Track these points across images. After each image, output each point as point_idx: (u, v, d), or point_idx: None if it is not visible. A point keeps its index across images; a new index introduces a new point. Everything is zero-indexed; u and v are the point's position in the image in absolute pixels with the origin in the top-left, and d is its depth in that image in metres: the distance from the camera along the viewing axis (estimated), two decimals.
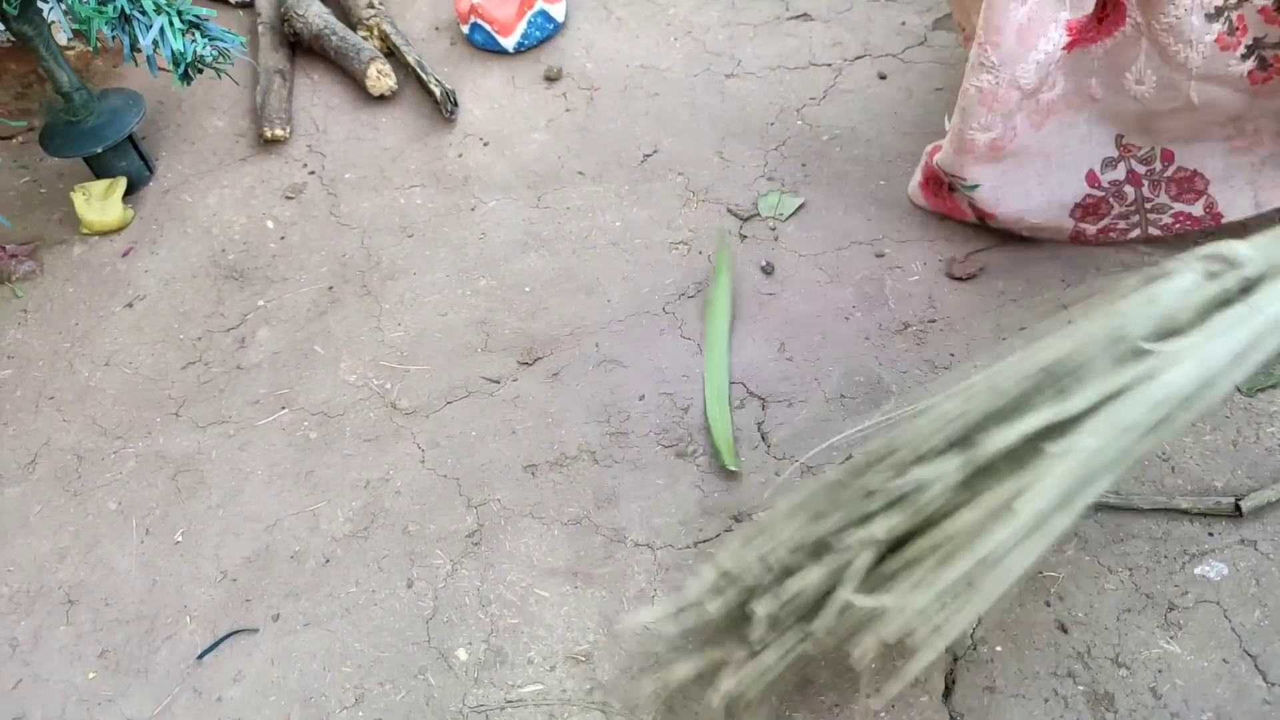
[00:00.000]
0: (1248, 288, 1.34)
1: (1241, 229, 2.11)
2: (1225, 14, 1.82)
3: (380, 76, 2.84)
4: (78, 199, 2.60)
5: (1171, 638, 1.66)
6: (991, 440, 1.31)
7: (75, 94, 2.58)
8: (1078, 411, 1.30)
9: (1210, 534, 1.77)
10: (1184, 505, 1.80)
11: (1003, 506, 1.27)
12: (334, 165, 2.75)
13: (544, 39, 2.98)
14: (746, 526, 1.61)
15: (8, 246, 2.57)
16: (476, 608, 1.81)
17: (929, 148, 2.29)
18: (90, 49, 2.86)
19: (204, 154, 2.83)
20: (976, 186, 2.11)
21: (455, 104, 2.81)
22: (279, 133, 2.77)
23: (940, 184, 2.27)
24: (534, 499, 1.96)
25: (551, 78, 2.88)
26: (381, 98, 2.88)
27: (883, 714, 1.62)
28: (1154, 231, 2.16)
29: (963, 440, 1.36)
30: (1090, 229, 2.17)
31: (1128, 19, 1.90)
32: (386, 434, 2.10)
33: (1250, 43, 1.84)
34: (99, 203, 2.61)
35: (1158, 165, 2.08)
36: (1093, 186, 2.12)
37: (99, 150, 2.59)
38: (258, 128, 2.82)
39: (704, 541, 1.86)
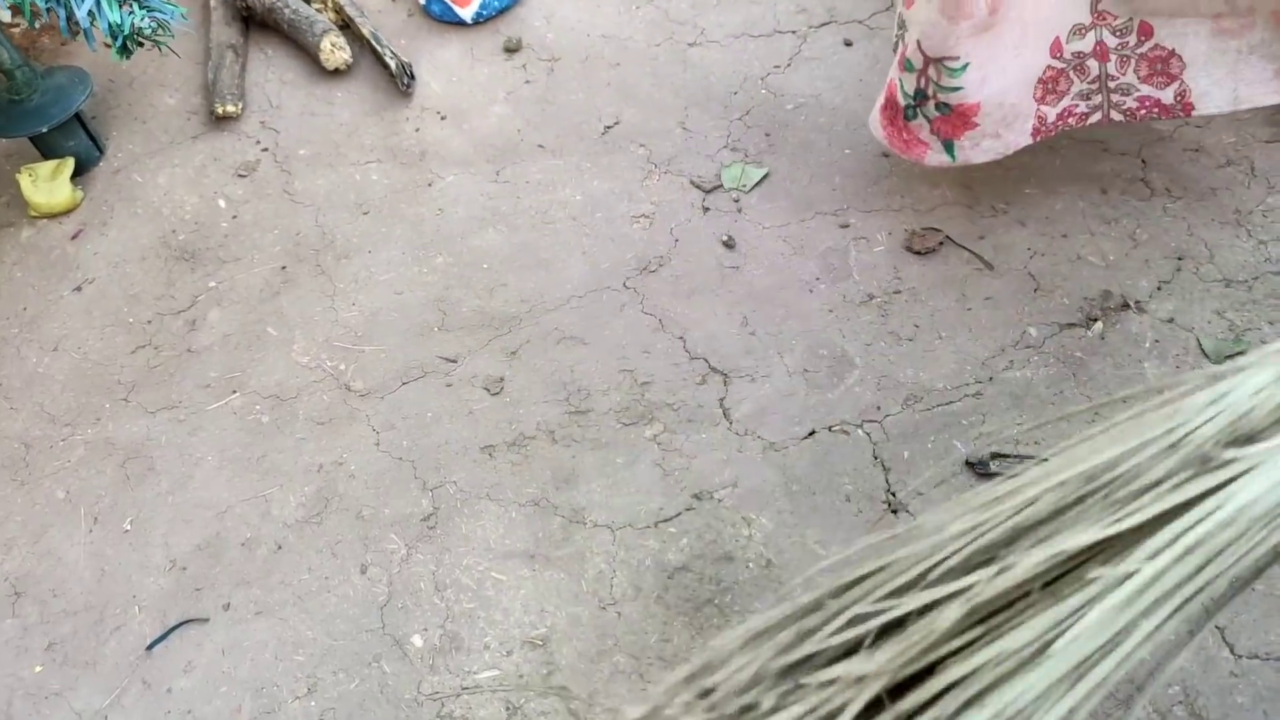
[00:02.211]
0: None
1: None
2: None
3: (334, 50, 2.76)
4: (24, 181, 2.53)
5: None
6: (1021, 561, 0.95)
7: (17, 71, 2.50)
8: (1132, 527, 1.07)
9: None
10: None
11: (1033, 645, 0.93)
12: (288, 142, 2.67)
13: (503, 9, 2.91)
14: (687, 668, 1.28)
15: None
16: (432, 593, 1.77)
17: (895, 63, 2.04)
18: (29, 24, 2.77)
19: (155, 132, 2.76)
20: (965, 68, 1.88)
21: (412, 77, 2.73)
22: (231, 109, 2.69)
23: (896, 111, 2.05)
24: (491, 480, 1.91)
25: (511, 49, 2.81)
26: (336, 72, 2.81)
27: None
28: (1116, 116, 2.01)
29: (983, 561, 1.02)
30: (1050, 113, 2.00)
31: None
32: (340, 416, 2.05)
33: None
34: (46, 184, 2.53)
35: (1132, 39, 1.90)
36: (1054, 57, 1.93)
37: (44, 130, 2.52)
38: (210, 104, 2.74)
39: (664, 521, 1.82)
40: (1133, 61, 1.93)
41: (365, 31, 2.82)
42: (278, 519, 1.90)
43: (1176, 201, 2.16)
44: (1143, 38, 1.89)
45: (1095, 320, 2.00)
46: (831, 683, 0.97)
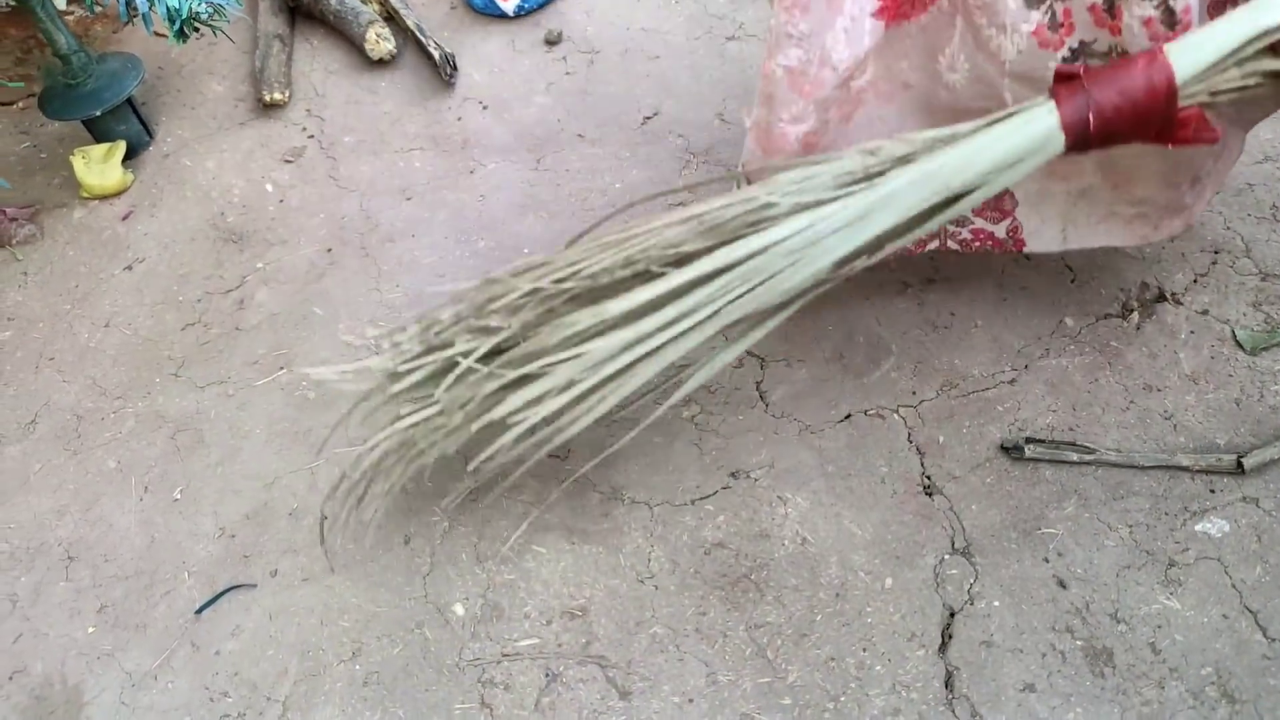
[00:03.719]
0: (884, 173, 1.50)
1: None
2: (1048, 3, 1.57)
3: (379, 40, 2.82)
4: (77, 163, 2.59)
5: (1171, 594, 1.65)
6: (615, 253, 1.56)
7: (74, 56, 2.56)
8: (697, 248, 1.53)
9: (1212, 491, 1.76)
10: (1185, 462, 1.78)
11: (607, 313, 1.53)
12: (333, 129, 2.73)
13: (544, 2, 2.96)
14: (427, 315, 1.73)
15: (8, 210, 2.57)
16: (473, 564, 1.81)
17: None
18: (88, 11, 2.84)
19: (203, 118, 2.82)
20: None
21: (455, 68, 2.79)
22: (278, 96, 2.76)
23: None
24: (530, 458, 1.95)
25: (552, 41, 2.86)
26: (381, 62, 2.87)
27: (879, 667, 1.62)
28: (952, 245, 1.96)
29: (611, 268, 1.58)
30: None
31: None
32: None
33: (1076, 45, 1.60)
34: (99, 166, 2.60)
35: None
36: None
37: (98, 113, 2.58)
38: (257, 92, 2.80)
39: (701, 499, 1.85)
40: None
41: (409, 23, 2.88)
42: (323, 491, 1.95)
43: (1214, 196, 2.17)
44: None
45: (1131, 311, 2.02)
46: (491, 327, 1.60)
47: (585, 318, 1.55)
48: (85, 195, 2.63)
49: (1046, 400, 1.91)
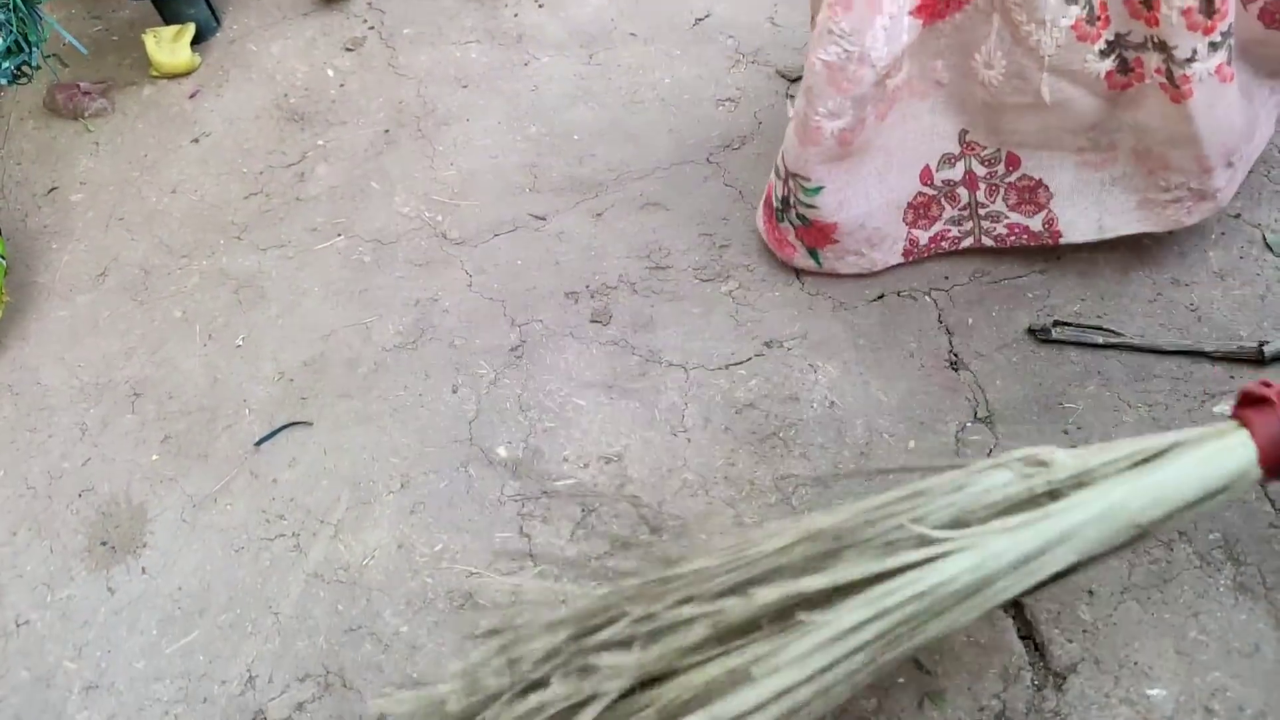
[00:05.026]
0: (1054, 494, 1.30)
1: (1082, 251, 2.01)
2: None
3: None
4: (149, 41, 2.70)
5: None
6: (758, 595, 1.23)
7: None
8: (844, 583, 1.23)
9: (1232, 376, 1.82)
10: (1208, 348, 1.84)
11: (744, 668, 1.19)
12: (393, 21, 2.82)
13: None
14: (503, 633, 1.37)
15: (81, 84, 2.68)
16: (516, 412, 1.91)
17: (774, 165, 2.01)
18: None
19: (269, 8, 2.92)
20: (819, 190, 1.87)
21: None
22: None
23: (770, 210, 2.04)
24: (574, 321, 2.04)
25: None
26: None
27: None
28: (988, 241, 2.01)
29: (738, 590, 1.27)
30: (922, 237, 2.01)
31: None
32: (436, 260, 2.19)
33: (1112, 38, 1.65)
34: (169, 45, 2.70)
35: (1000, 169, 1.92)
36: (925, 184, 1.95)
37: None
38: None
39: (735, 364, 1.94)
40: (1001, 190, 1.94)
41: None
42: (377, 344, 2.05)
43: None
44: (1010, 168, 1.91)
45: None
46: (599, 669, 1.24)
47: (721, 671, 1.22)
48: (155, 74, 2.74)
49: (1076, 290, 1.97)
